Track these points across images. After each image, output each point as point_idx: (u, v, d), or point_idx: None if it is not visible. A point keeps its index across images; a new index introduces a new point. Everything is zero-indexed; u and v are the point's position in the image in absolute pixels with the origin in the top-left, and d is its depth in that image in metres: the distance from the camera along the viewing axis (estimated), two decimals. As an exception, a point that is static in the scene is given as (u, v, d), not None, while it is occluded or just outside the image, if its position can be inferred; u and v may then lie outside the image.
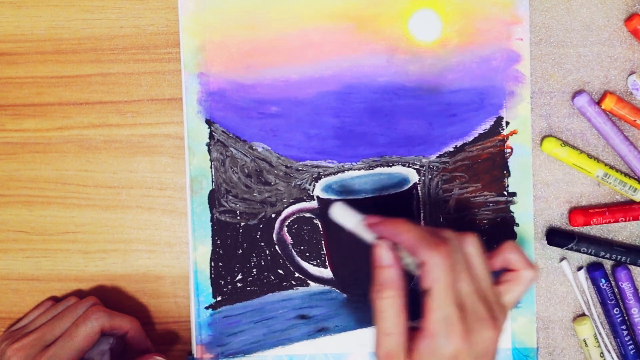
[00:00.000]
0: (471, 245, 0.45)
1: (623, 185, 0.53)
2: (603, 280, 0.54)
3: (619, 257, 0.54)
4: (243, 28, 0.54)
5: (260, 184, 0.55)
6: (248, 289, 0.55)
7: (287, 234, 0.55)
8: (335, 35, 0.54)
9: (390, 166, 0.54)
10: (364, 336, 0.55)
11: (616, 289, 0.54)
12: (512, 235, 0.54)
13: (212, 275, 0.55)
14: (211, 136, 0.54)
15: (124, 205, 0.56)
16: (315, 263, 0.55)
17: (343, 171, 0.54)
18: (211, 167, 0.54)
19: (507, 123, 0.54)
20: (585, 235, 0.55)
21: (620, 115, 0.53)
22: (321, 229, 0.55)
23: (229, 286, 0.55)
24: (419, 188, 0.54)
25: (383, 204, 0.54)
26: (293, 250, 0.55)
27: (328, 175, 0.54)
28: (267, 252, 0.55)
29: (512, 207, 0.54)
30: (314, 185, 0.54)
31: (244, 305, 0.55)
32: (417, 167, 0.54)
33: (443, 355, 0.42)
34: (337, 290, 0.55)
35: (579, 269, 0.55)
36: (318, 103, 0.54)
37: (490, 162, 0.54)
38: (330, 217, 0.48)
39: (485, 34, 0.53)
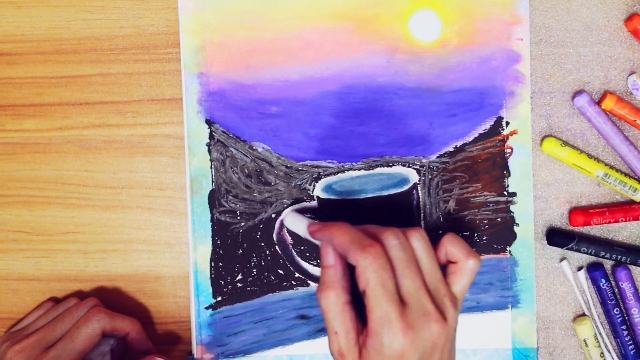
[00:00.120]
0: (417, 240, 0.45)
1: (623, 185, 0.53)
2: (603, 280, 0.54)
3: (619, 257, 0.54)
4: (243, 28, 0.54)
5: (260, 184, 0.55)
6: (248, 289, 0.55)
7: (287, 234, 0.55)
8: (335, 35, 0.54)
9: (390, 166, 0.54)
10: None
11: (616, 289, 0.54)
12: (512, 235, 0.54)
13: (212, 276, 0.55)
14: (211, 136, 0.54)
15: (124, 206, 0.56)
16: (315, 263, 0.55)
17: (343, 171, 0.54)
18: (211, 167, 0.54)
19: (507, 123, 0.54)
20: (585, 235, 0.55)
21: (620, 115, 0.53)
22: (321, 229, 0.55)
23: (229, 286, 0.55)
24: (419, 188, 0.54)
25: (383, 204, 0.54)
26: (293, 251, 0.55)
27: (328, 175, 0.54)
28: (267, 252, 0.55)
29: (512, 207, 0.54)
30: (314, 186, 0.54)
31: (244, 305, 0.55)
32: (417, 167, 0.54)
33: (389, 352, 0.42)
34: (337, 290, 0.55)
35: (579, 269, 0.55)
36: (318, 103, 0.54)
37: (491, 162, 0.54)
38: (285, 226, 0.51)
39: (485, 34, 0.53)
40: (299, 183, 0.54)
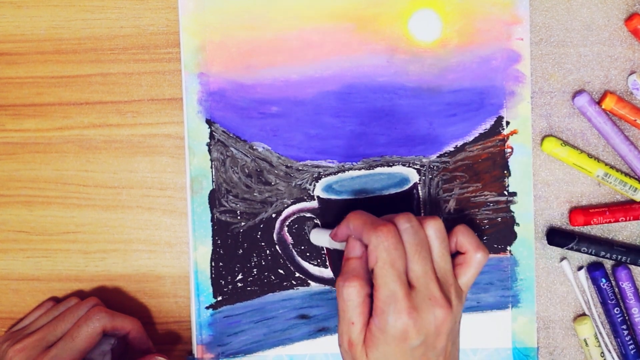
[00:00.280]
0: (432, 228, 0.46)
1: (623, 185, 0.53)
2: (603, 280, 0.54)
3: (620, 256, 0.54)
4: (243, 28, 0.54)
5: (260, 184, 0.55)
6: (248, 288, 0.55)
7: (287, 234, 0.55)
8: (335, 35, 0.54)
9: (391, 166, 0.54)
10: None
11: (616, 289, 0.54)
12: (513, 235, 0.54)
13: (213, 275, 0.55)
14: (211, 136, 0.54)
15: (124, 205, 0.56)
16: (315, 263, 0.55)
17: (343, 171, 0.54)
18: (211, 167, 0.54)
19: (508, 123, 0.54)
20: (585, 235, 0.55)
21: (620, 115, 0.53)
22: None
23: (230, 286, 0.55)
24: (419, 188, 0.54)
25: (383, 203, 0.54)
26: (293, 250, 0.55)
27: (328, 175, 0.54)
28: (268, 252, 0.55)
29: (512, 207, 0.54)
30: (315, 185, 0.54)
31: (245, 305, 0.55)
32: (418, 167, 0.54)
33: (392, 332, 0.43)
34: (337, 290, 0.55)
35: (580, 268, 0.55)
36: (318, 103, 0.54)
37: (491, 161, 0.54)
38: (313, 243, 0.54)
39: (485, 34, 0.53)
40: (299, 183, 0.54)
